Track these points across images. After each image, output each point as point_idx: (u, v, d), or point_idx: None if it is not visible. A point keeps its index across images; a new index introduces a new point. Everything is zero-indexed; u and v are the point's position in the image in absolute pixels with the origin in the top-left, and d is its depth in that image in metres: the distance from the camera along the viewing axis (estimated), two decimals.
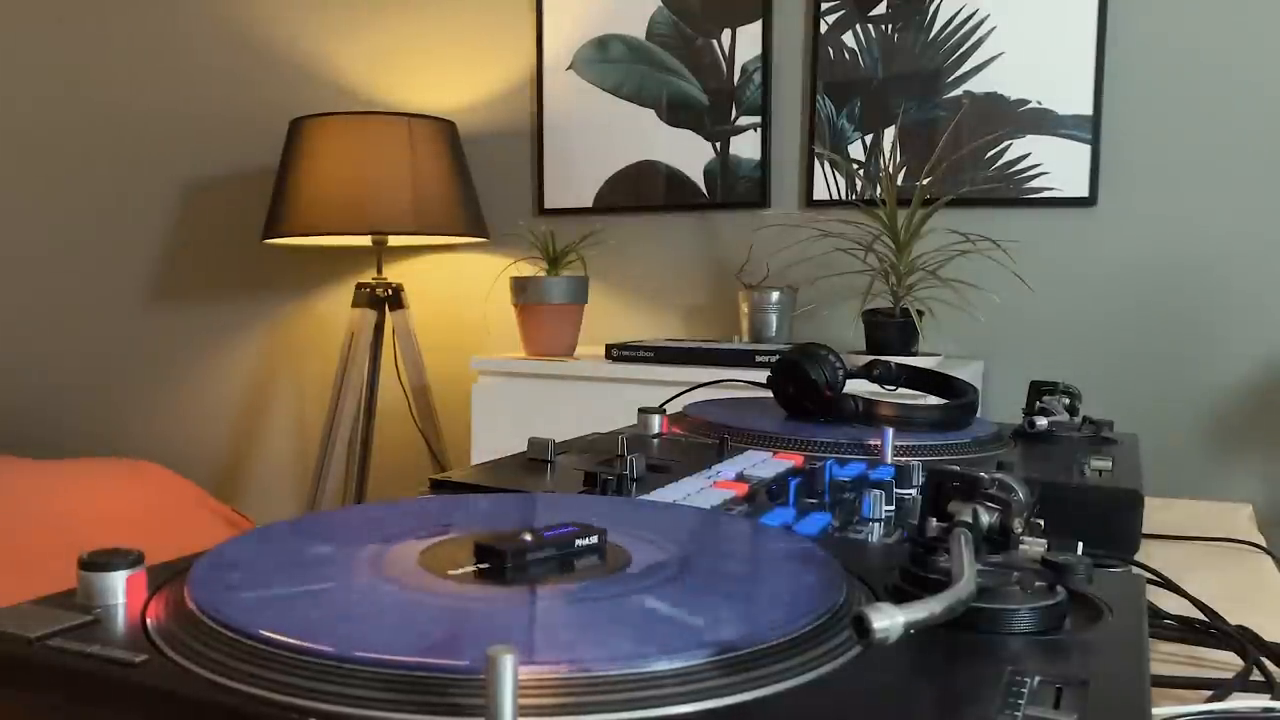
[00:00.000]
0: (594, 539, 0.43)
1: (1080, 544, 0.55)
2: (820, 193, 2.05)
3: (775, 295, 1.92)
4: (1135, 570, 0.62)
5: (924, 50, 1.94)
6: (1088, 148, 1.84)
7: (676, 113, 2.16)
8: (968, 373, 1.72)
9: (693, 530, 0.48)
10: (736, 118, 2.11)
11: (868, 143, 2.00)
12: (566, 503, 0.53)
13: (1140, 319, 1.85)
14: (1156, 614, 0.54)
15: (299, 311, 2.62)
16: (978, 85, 1.91)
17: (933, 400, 0.96)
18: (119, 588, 0.37)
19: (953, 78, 1.92)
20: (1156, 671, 0.47)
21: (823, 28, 2.02)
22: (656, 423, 0.81)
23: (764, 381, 0.88)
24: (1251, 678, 0.46)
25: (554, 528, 0.43)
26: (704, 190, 2.14)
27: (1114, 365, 1.87)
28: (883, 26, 1.98)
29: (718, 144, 2.13)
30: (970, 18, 1.90)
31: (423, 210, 2.07)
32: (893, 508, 0.58)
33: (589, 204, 2.26)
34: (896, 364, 0.92)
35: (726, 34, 2.11)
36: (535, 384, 1.83)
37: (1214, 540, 0.80)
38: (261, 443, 2.70)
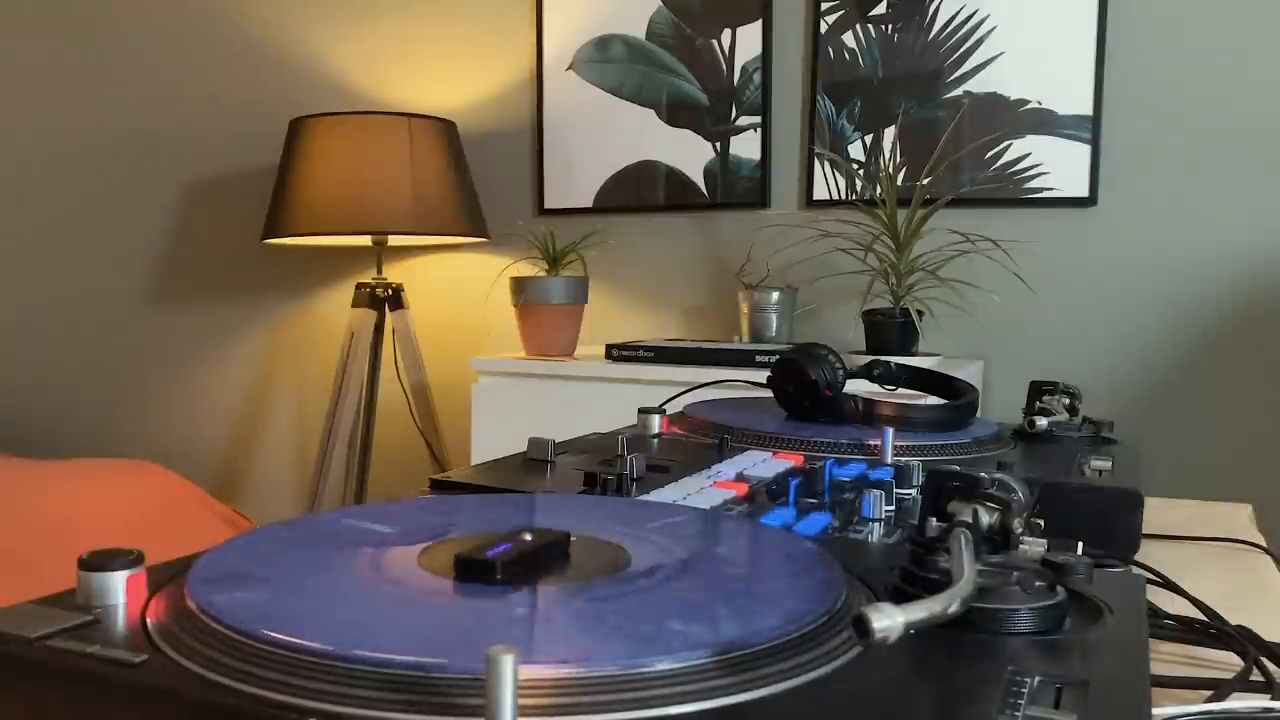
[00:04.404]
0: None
1: (1080, 544, 0.55)
2: (820, 193, 2.05)
3: (775, 295, 1.92)
4: (1135, 570, 0.62)
5: (924, 50, 1.95)
6: (1088, 148, 1.84)
7: (676, 113, 2.16)
8: (967, 373, 1.72)
9: (692, 530, 0.48)
10: (736, 118, 2.11)
11: (868, 143, 2.00)
12: (566, 503, 0.53)
13: (1140, 319, 1.85)
14: (1156, 614, 0.54)
15: (299, 311, 2.62)
16: (978, 85, 1.91)
17: (933, 400, 0.96)
18: (119, 588, 0.37)
19: (953, 78, 1.92)
20: (1156, 671, 0.47)
21: (823, 28, 2.02)
22: (656, 423, 0.81)
23: (764, 381, 0.88)
24: (1251, 678, 0.46)
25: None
26: (704, 190, 2.14)
27: (1114, 365, 1.87)
28: (883, 26, 1.98)
29: (718, 144, 2.13)
30: (970, 18, 1.90)
31: (423, 210, 2.07)
32: (893, 508, 0.58)
33: (589, 204, 2.26)
34: (896, 364, 0.92)
35: (726, 34, 2.11)
36: (535, 384, 1.83)
37: (1214, 540, 0.80)
38: (261, 443, 2.70)
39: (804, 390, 0.82)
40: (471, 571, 0.39)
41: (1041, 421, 0.82)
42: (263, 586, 0.38)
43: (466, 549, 0.40)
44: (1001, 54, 1.89)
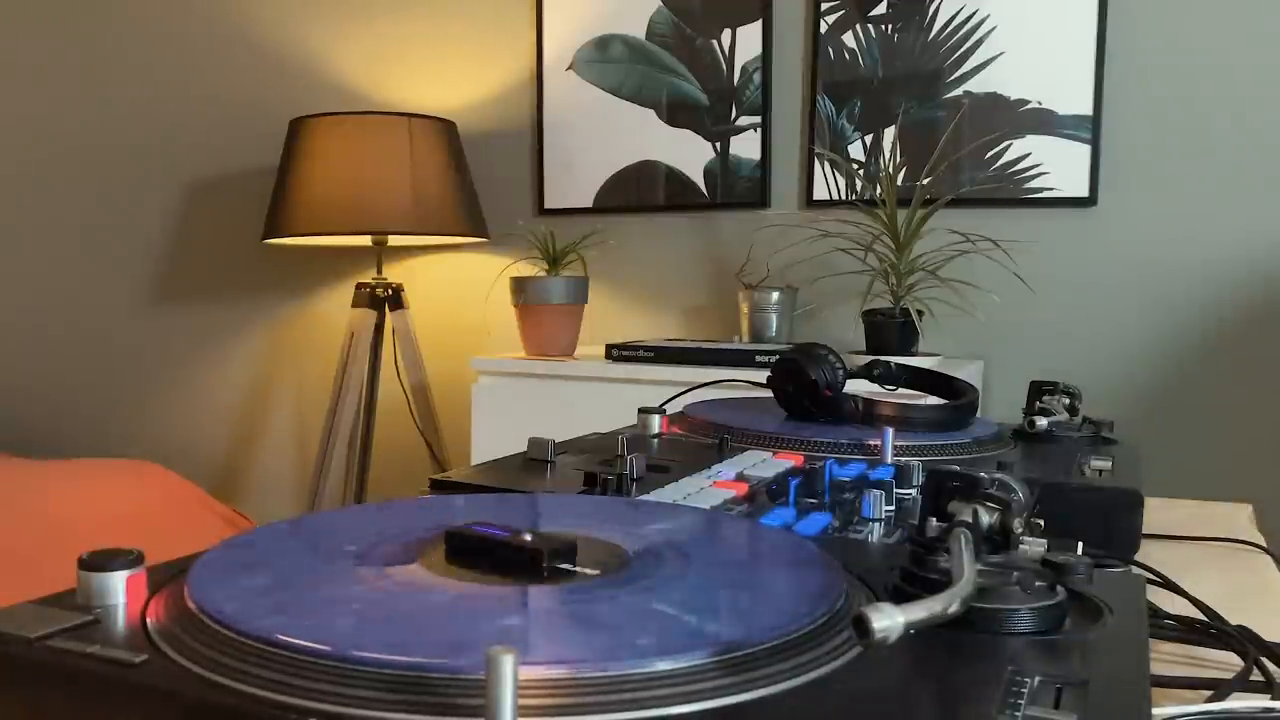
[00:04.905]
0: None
1: (1080, 544, 0.55)
2: (820, 193, 2.04)
3: (775, 295, 1.92)
4: (1135, 570, 0.62)
5: (924, 50, 1.94)
6: (1088, 148, 1.84)
7: (676, 113, 2.16)
8: (967, 373, 1.72)
9: (692, 530, 0.48)
10: (736, 118, 2.11)
11: (868, 143, 2.00)
12: (566, 503, 0.53)
13: (1140, 319, 1.85)
14: (1156, 614, 0.54)
15: (299, 311, 2.62)
16: (978, 85, 1.91)
17: (933, 400, 0.96)
18: (119, 588, 0.37)
19: (953, 78, 1.92)
20: (1156, 671, 0.47)
21: (823, 28, 2.02)
22: (656, 423, 0.81)
23: (764, 381, 0.88)
24: (1251, 678, 0.46)
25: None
26: (704, 190, 2.14)
27: (1114, 365, 1.87)
28: (883, 26, 1.98)
29: (718, 144, 2.13)
30: (970, 18, 1.90)
31: (423, 210, 2.07)
32: (893, 508, 0.58)
33: (589, 204, 2.26)
34: (897, 364, 0.92)
35: (726, 34, 2.11)
36: (535, 384, 1.83)
37: (1214, 540, 0.80)
38: (261, 443, 2.70)
39: (804, 390, 0.82)
40: (458, 546, 0.39)
41: (1041, 421, 0.82)
42: (262, 587, 0.38)
43: (458, 526, 0.40)
44: (1001, 54, 1.89)
